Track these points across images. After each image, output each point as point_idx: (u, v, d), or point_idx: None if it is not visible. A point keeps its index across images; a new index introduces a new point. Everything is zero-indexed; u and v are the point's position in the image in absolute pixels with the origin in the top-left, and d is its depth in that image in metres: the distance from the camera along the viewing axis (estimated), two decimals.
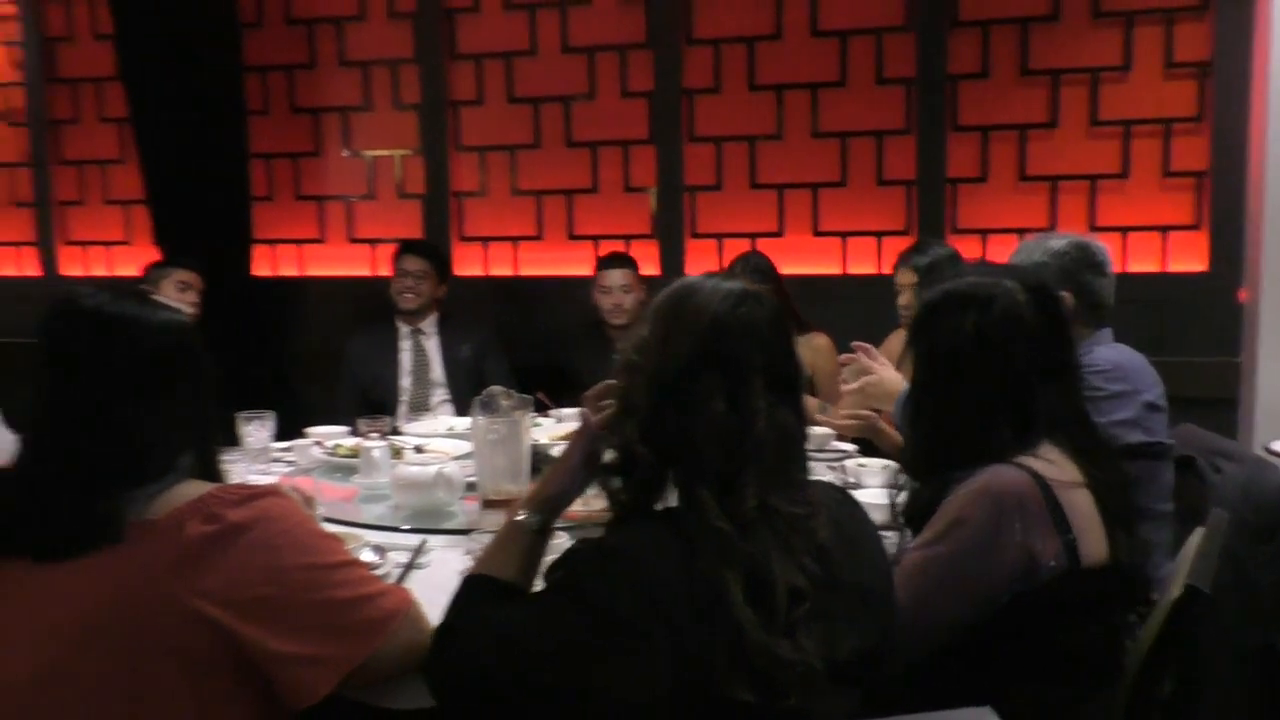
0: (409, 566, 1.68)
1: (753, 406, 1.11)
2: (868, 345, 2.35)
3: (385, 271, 3.86)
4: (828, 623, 1.07)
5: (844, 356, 2.39)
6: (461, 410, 3.46)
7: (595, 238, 4.17)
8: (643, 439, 1.13)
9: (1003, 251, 3.28)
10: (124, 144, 4.56)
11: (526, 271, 4.27)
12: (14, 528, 1.15)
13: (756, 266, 3.31)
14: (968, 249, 3.72)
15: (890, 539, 1.50)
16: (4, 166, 4.83)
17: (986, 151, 3.79)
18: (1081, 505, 1.43)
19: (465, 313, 3.93)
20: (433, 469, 2.00)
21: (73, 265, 4.74)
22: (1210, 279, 3.58)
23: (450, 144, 4.25)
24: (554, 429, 2.71)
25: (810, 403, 2.48)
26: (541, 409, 2.88)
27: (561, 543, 1.70)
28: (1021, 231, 3.75)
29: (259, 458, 2.47)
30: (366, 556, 1.64)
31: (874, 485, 2.23)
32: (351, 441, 2.58)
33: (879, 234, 3.92)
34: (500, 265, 4.29)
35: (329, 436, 2.67)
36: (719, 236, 4.07)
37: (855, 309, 3.49)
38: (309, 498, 1.75)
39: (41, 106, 4.68)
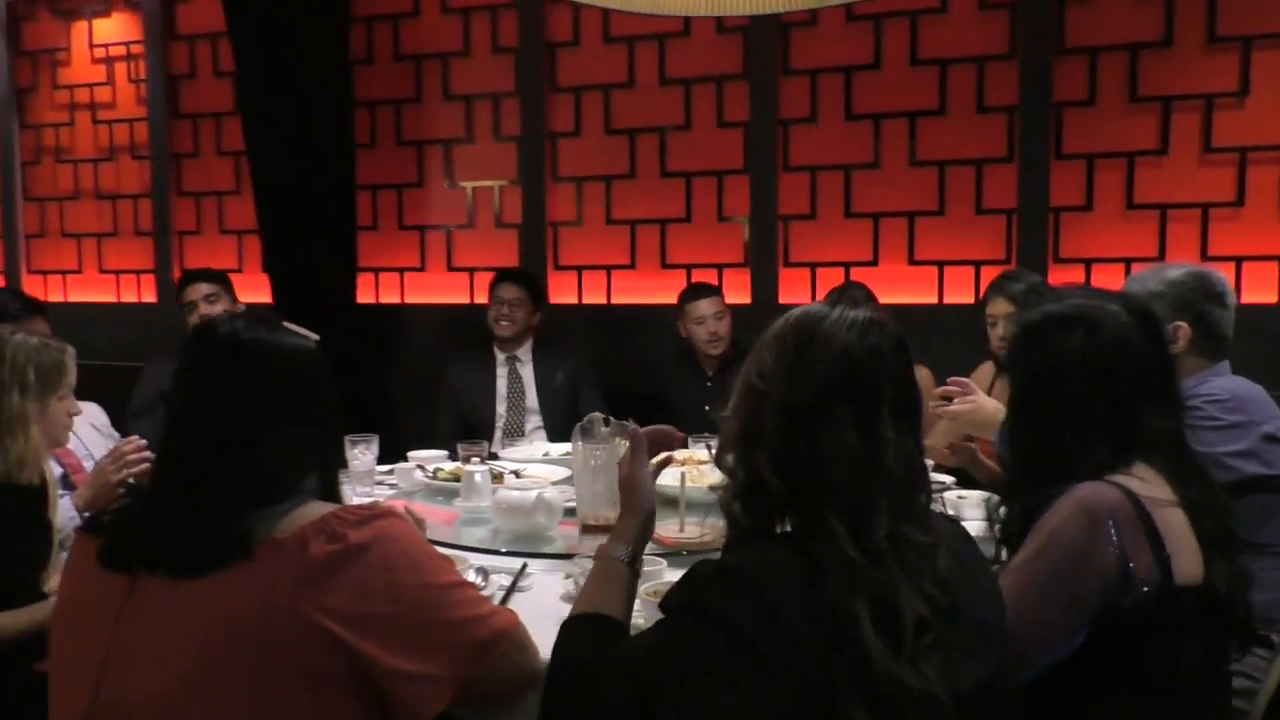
0: (511, 589, 1.71)
1: (883, 436, 1.11)
2: (965, 380, 2.32)
3: (483, 299, 3.94)
4: (948, 653, 1.07)
5: (939, 390, 2.35)
6: (555, 436, 3.51)
7: (688, 266, 4.19)
8: (771, 466, 1.13)
9: (1107, 281, 3.20)
10: (239, 176, 4.78)
11: (619, 300, 4.31)
12: (152, 546, 1.20)
13: (856, 296, 3.29)
14: (1071, 279, 3.65)
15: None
16: (127, 198, 5.10)
17: (1092, 180, 3.70)
18: (1176, 524, 1.43)
19: (560, 340, 3.99)
20: (533, 494, 2.04)
21: None
22: None
23: (548, 174, 4.33)
24: None
25: None
26: None
27: (659, 569, 1.72)
28: (1128, 261, 3.66)
29: (364, 480, 2.54)
30: (470, 579, 1.67)
31: (974, 518, 2.18)
32: (451, 465, 2.64)
33: (977, 263, 3.86)
34: (594, 294, 4.35)
35: (430, 460, 2.73)
36: (812, 266, 4.06)
37: (952, 339, 3.44)
38: (420, 519, 1.80)
39: (164, 140, 4.93)
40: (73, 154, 5.21)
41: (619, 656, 1.18)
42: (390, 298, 4.62)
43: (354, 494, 2.40)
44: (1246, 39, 3.49)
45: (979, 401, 2.24)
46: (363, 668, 1.15)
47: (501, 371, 3.77)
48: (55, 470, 2.29)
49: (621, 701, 1.14)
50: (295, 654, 1.13)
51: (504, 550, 1.97)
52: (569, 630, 1.29)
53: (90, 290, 5.20)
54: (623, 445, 1.99)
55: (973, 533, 1.77)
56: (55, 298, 5.16)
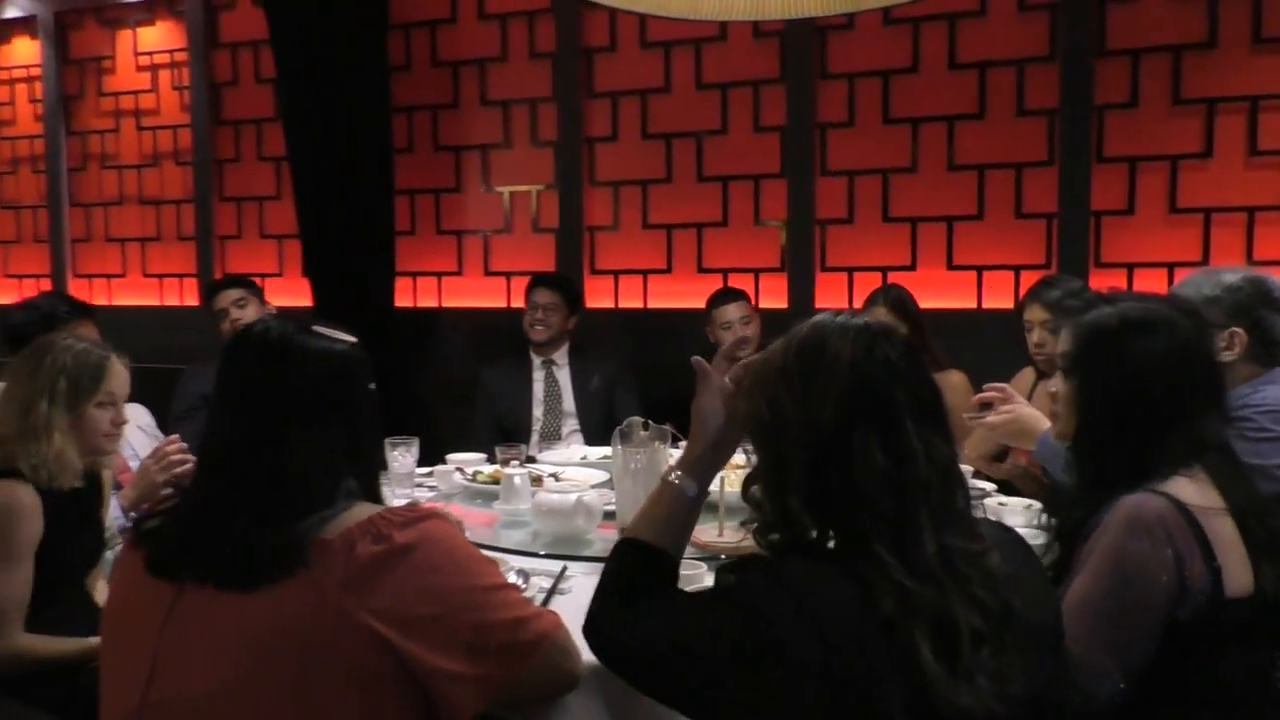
0: (551, 592, 1.72)
1: (910, 448, 1.09)
2: (1002, 386, 2.29)
3: (519, 303, 3.96)
4: (1003, 658, 1.05)
5: (976, 398, 2.33)
6: (591, 440, 3.51)
7: (724, 271, 4.19)
8: (804, 505, 1.11)
9: (1150, 286, 3.16)
10: (280, 181, 4.84)
11: (656, 304, 4.32)
12: (200, 559, 1.21)
13: (897, 300, 3.27)
14: (1113, 283, 3.59)
15: None
16: (170, 203, 5.18)
17: (1134, 183, 3.66)
18: (1225, 533, 1.42)
19: (596, 345, 4.00)
20: (573, 497, 2.04)
21: None
22: None
23: (584, 179, 4.35)
24: None
25: None
26: (673, 441, 2.90)
27: (699, 573, 1.72)
28: (1171, 266, 3.61)
29: (403, 482, 2.56)
30: (511, 581, 1.68)
31: (1015, 526, 2.16)
32: (490, 469, 2.65)
33: (1017, 268, 3.82)
34: (630, 298, 4.36)
35: (468, 463, 2.75)
36: (849, 270, 4.04)
37: (991, 345, 3.40)
38: (458, 521, 1.81)
39: (206, 146, 5.01)
40: (117, 160, 5.31)
41: (665, 613, 1.18)
42: (428, 302, 4.66)
43: (394, 496, 2.42)
44: None
45: (1018, 410, 2.21)
46: (408, 667, 1.16)
47: (538, 375, 3.79)
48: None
49: (660, 654, 1.14)
50: (342, 653, 1.14)
51: (543, 553, 1.98)
52: (622, 555, 1.28)
53: (134, 294, 5.29)
54: (662, 450, 2.01)
55: None
56: (99, 301, 5.24)
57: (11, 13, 5.45)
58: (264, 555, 1.17)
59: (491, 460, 2.80)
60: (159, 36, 5.15)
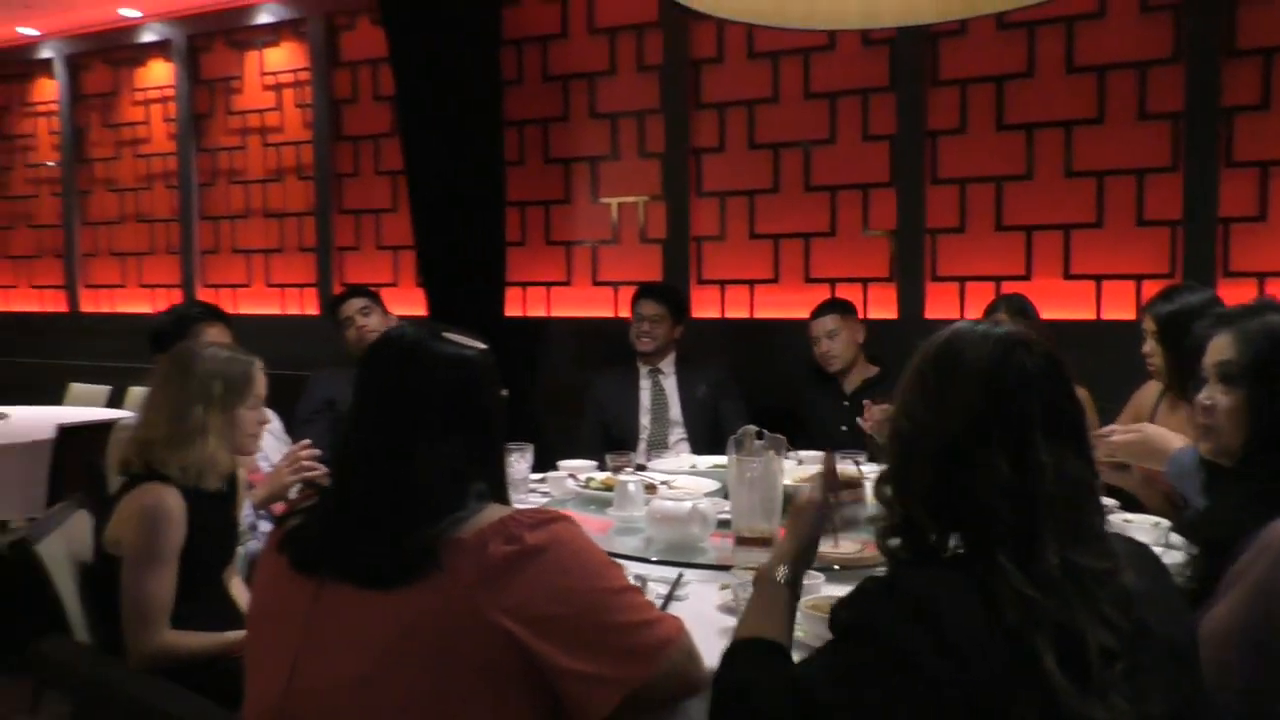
0: (669, 598, 1.74)
1: (1039, 461, 1.07)
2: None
3: (626, 313, 4.00)
4: (1138, 676, 1.03)
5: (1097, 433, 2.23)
6: (698, 448, 3.53)
7: (831, 281, 4.16)
8: (927, 510, 1.11)
9: None
10: (396, 194, 5.00)
11: (762, 314, 4.32)
12: (340, 558, 1.26)
13: (1019, 309, 3.20)
14: (1243, 294, 3.44)
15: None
16: (292, 216, 5.41)
17: (1266, 188, 3.51)
18: None
19: (702, 354, 4.02)
20: (687, 504, 2.06)
21: None
22: None
23: (691, 190, 4.38)
24: (795, 471, 2.71)
25: None
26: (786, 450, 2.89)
27: (816, 584, 1.72)
28: None
29: (518, 488, 2.61)
30: None
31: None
32: (602, 475, 2.69)
33: (1138, 277, 3.70)
34: (737, 308, 4.36)
35: (580, 470, 2.79)
36: (960, 280, 3.97)
37: (1111, 357, 3.29)
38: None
39: (327, 162, 5.21)
40: (244, 175, 5.57)
41: (786, 677, 1.17)
42: (537, 311, 4.75)
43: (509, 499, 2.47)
44: None
45: (1146, 429, 2.14)
46: (538, 666, 1.19)
47: (645, 384, 3.82)
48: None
49: (807, 715, 1.12)
50: (474, 650, 1.18)
51: (655, 559, 2.00)
52: (733, 655, 1.28)
53: (257, 303, 5.53)
54: (777, 459, 2.01)
55: None
56: (225, 310, 5.49)
57: (148, 37, 5.77)
58: (402, 556, 1.21)
59: (602, 467, 2.84)
60: (283, 57, 5.39)
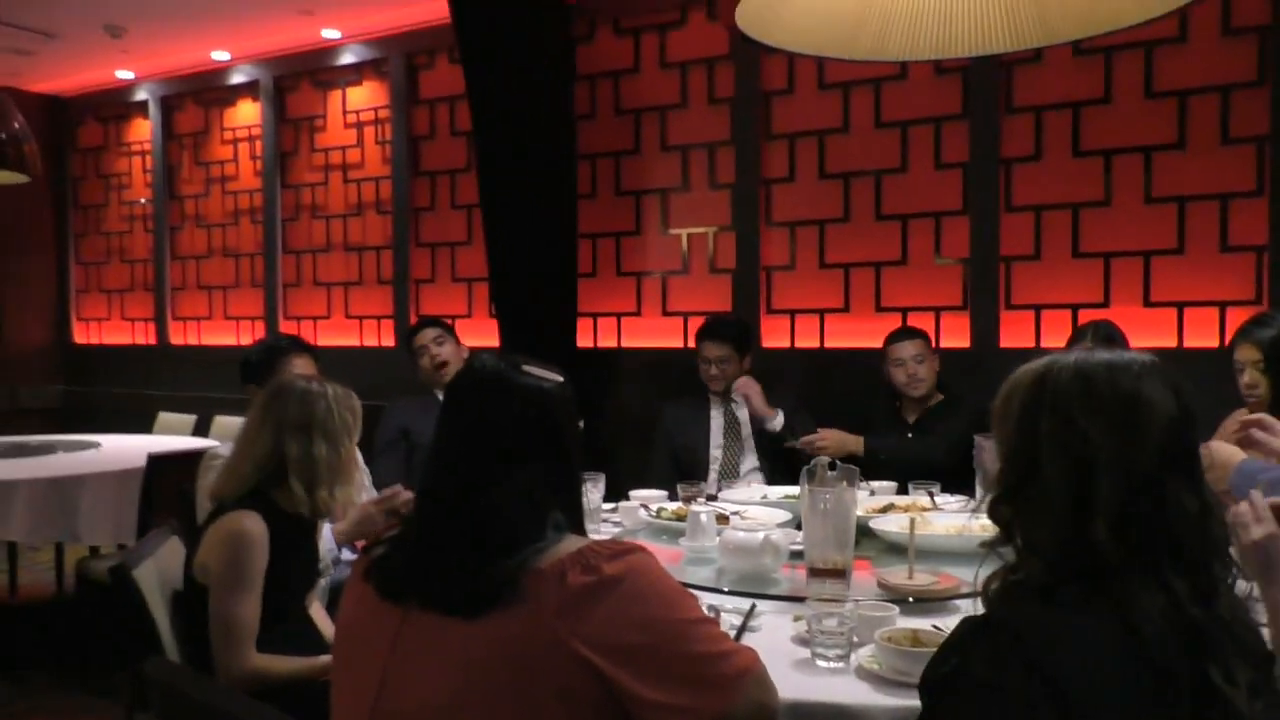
0: (742, 629, 1.74)
1: (1209, 501, 1.11)
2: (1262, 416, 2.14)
3: (694, 343, 4.01)
4: (1273, 714, 1.04)
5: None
6: (770, 478, 3.52)
7: (903, 310, 4.13)
8: (1110, 532, 1.09)
9: None
10: (471, 227, 5.11)
11: (832, 344, 4.30)
12: (425, 586, 1.29)
13: (1108, 335, 3.13)
14: None
15: None
16: (371, 249, 5.56)
17: None
18: None
19: (773, 383, 4.00)
20: (760, 535, 2.06)
21: None
22: None
23: (761, 220, 4.40)
24: (867, 502, 2.70)
25: None
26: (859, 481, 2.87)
27: (890, 615, 1.71)
28: None
29: (591, 517, 2.63)
30: None
31: None
32: (674, 505, 2.71)
33: (1222, 304, 3.61)
34: (807, 337, 4.36)
35: (651, 500, 2.81)
36: (1036, 308, 3.92)
37: (1194, 386, 3.22)
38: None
39: (405, 196, 5.35)
40: (326, 210, 5.75)
41: None
42: (608, 341, 4.80)
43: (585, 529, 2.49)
44: None
45: (1209, 448, 2.08)
46: (616, 695, 1.21)
47: (716, 413, 3.83)
48: None
49: None
50: (555, 677, 1.20)
51: (728, 589, 2.01)
52: None
53: (337, 334, 5.68)
54: (850, 490, 2.00)
55: None
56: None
57: (237, 78, 6.01)
58: (484, 586, 1.24)
59: (673, 497, 2.85)
60: (365, 95, 5.57)
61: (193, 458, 3.72)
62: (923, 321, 4.00)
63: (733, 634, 1.70)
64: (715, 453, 3.77)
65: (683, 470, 3.61)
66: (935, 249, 4.08)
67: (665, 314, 4.66)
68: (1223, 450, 2.05)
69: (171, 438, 4.81)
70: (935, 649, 1.12)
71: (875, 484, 2.98)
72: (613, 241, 4.77)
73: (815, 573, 1.91)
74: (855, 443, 3.47)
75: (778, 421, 3.66)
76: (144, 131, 6.56)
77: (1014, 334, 3.93)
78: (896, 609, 1.74)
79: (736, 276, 4.45)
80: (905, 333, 3.64)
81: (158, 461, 3.66)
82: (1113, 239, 3.77)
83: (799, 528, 2.14)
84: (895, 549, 2.26)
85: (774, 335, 4.38)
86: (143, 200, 6.60)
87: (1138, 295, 3.74)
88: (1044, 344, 3.87)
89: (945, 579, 1.97)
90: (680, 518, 2.49)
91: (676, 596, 1.28)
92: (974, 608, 1.49)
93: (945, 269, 4.07)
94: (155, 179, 6.48)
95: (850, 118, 4.21)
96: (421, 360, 3.85)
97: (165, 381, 6.27)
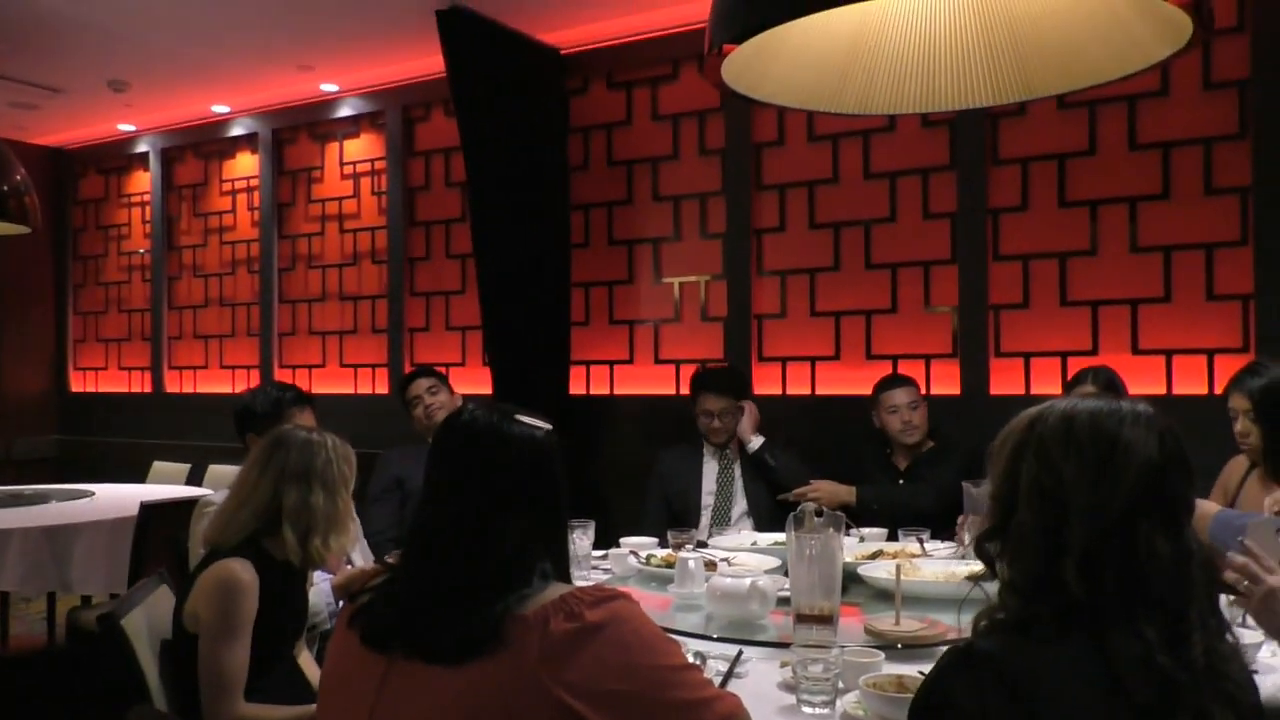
0: (728, 675, 1.74)
1: (1188, 547, 1.10)
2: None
3: (687, 390, 4.01)
4: None
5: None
6: (761, 525, 3.52)
7: (893, 357, 4.17)
8: (1079, 574, 1.10)
9: None
10: (465, 276, 5.16)
11: (824, 391, 4.32)
12: (409, 635, 1.30)
13: (1107, 381, 3.15)
14: None
15: None
16: (366, 298, 5.60)
17: None
18: None
19: (766, 430, 4.01)
20: (747, 581, 2.07)
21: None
22: None
23: (752, 269, 4.44)
24: (857, 548, 2.70)
25: None
26: (846, 528, 2.88)
27: (876, 661, 1.71)
28: None
29: (580, 564, 2.64)
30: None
31: None
32: (663, 552, 2.71)
33: (1210, 351, 3.64)
34: (798, 385, 4.38)
35: (641, 547, 2.81)
36: (1025, 355, 3.95)
37: (1184, 433, 3.24)
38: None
39: (401, 246, 5.40)
40: (321, 260, 5.80)
41: None
42: (600, 389, 4.82)
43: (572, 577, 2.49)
44: None
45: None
46: None
47: (709, 459, 3.83)
48: None
49: None
50: None
51: (716, 636, 2.01)
52: None
53: (331, 383, 5.70)
54: (836, 537, 2.01)
55: None
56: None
57: (236, 131, 6.10)
58: (470, 634, 1.24)
59: (663, 545, 2.86)
60: (361, 147, 5.65)
61: (185, 506, 3.72)
62: (913, 368, 4.03)
63: (718, 680, 1.70)
64: (707, 499, 3.78)
65: (674, 515, 3.62)
66: (925, 298, 4.13)
67: (658, 361, 4.69)
68: (1200, 504, 2.06)
69: (165, 486, 4.80)
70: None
71: (865, 530, 2.99)
72: (606, 290, 4.81)
73: (802, 618, 1.91)
74: (847, 493, 3.49)
75: (756, 443, 3.68)
76: (144, 183, 6.63)
77: (1004, 381, 3.96)
78: (882, 655, 1.74)
79: (728, 324, 4.49)
80: (897, 380, 3.67)
81: (150, 510, 3.65)
82: (1100, 287, 3.81)
83: (787, 574, 2.14)
84: (884, 595, 2.26)
85: (766, 383, 4.40)
86: (141, 251, 6.65)
87: (1126, 343, 3.78)
88: (1034, 390, 3.90)
89: (934, 625, 1.97)
90: (669, 564, 2.49)
91: (659, 643, 1.28)
92: None
93: (935, 316, 4.11)
94: (154, 229, 6.54)
95: (839, 168, 4.28)
96: (415, 410, 3.87)
97: (160, 430, 6.27)
